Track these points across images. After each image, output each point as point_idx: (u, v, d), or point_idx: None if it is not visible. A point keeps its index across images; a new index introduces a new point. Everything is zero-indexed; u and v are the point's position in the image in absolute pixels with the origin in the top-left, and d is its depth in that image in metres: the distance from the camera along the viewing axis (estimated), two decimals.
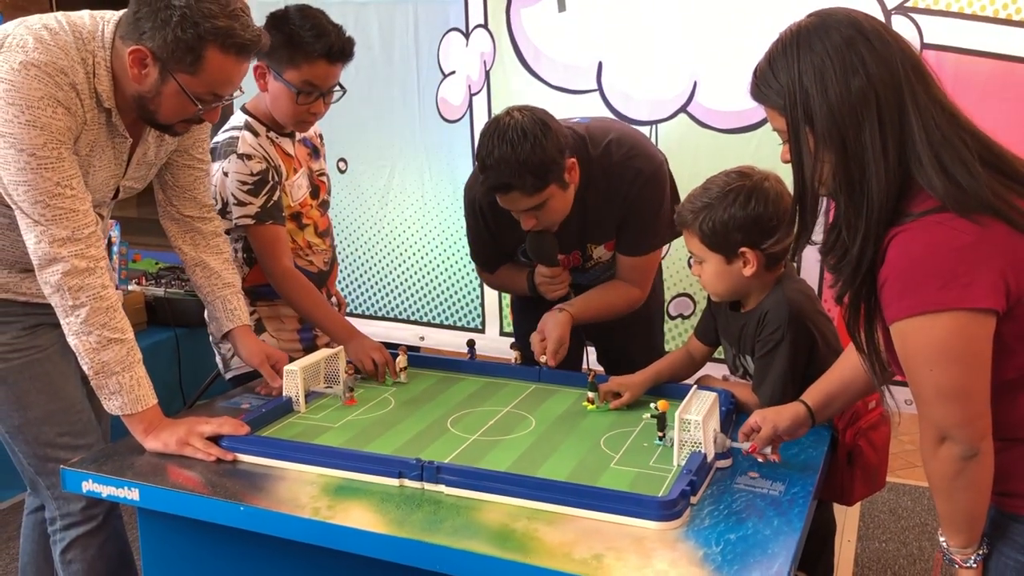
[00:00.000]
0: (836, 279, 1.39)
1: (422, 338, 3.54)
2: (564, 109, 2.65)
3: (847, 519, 3.12)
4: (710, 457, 1.66)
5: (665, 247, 2.69)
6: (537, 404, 2.02)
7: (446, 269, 3.47)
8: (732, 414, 1.90)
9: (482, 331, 3.47)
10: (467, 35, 3.21)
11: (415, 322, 3.58)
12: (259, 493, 1.64)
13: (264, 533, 1.58)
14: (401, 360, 2.19)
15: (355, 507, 1.57)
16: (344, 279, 3.67)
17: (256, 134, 2.25)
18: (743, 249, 1.87)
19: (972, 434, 1.29)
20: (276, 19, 2.16)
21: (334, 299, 2.57)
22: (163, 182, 2.10)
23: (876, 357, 1.41)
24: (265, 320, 2.36)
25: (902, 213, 1.30)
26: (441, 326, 3.51)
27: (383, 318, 3.64)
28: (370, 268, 3.61)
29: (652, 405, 1.80)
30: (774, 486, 1.63)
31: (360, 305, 3.68)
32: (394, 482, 1.63)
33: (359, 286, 3.66)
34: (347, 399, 2.03)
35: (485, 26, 3.16)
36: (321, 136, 2.53)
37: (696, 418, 1.65)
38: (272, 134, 2.28)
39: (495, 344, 3.35)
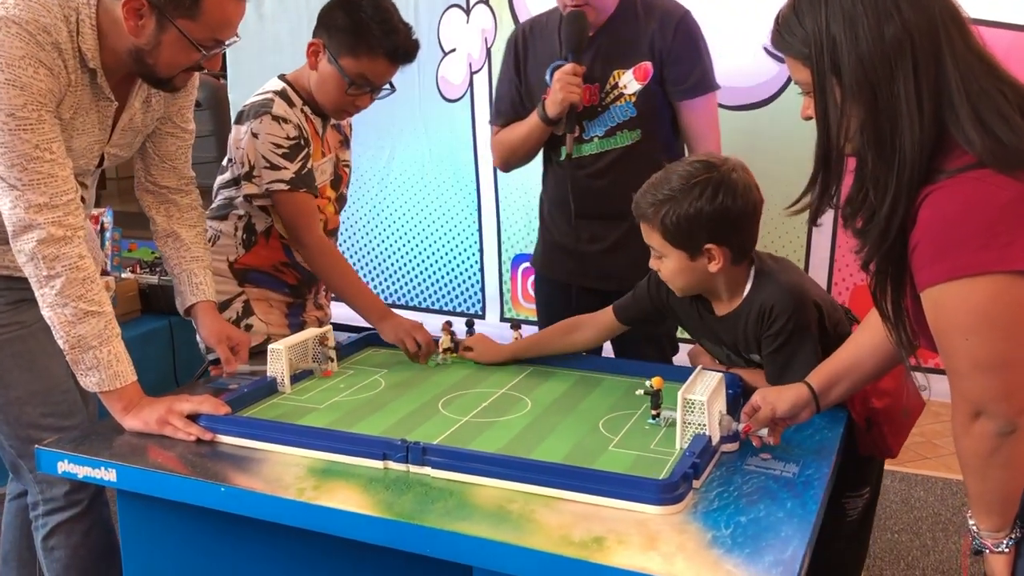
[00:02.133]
0: (862, 244, 1.30)
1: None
2: None
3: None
4: (715, 440, 1.58)
5: None
6: (534, 386, 1.93)
7: (446, 254, 3.39)
8: (739, 398, 1.81)
9: (482, 317, 3.39)
10: (468, 11, 3.12)
11: (414, 308, 3.50)
12: (241, 474, 1.56)
13: (247, 515, 1.50)
14: (445, 340, 2.09)
15: (341, 489, 1.49)
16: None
17: (291, 104, 2.15)
18: (708, 246, 1.74)
19: (1010, 409, 1.20)
20: (348, 2, 2.07)
21: (323, 293, 2.46)
22: (143, 151, 2.02)
23: (903, 328, 1.32)
24: (253, 303, 2.27)
25: (935, 170, 1.21)
26: (440, 311, 3.43)
27: (403, 307, 3.56)
28: (368, 252, 3.53)
29: (647, 382, 1.71)
30: (787, 467, 1.55)
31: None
32: (379, 464, 1.55)
33: (359, 269, 3.59)
34: (323, 370, 1.95)
35: (486, 2, 3.07)
36: (351, 126, 2.43)
37: (700, 398, 1.56)
38: (307, 109, 2.19)
39: (496, 331, 3.25)
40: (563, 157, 2.25)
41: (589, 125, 2.26)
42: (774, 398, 1.60)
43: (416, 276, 3.48)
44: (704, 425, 1.57)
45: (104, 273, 3.12)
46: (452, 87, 3.20)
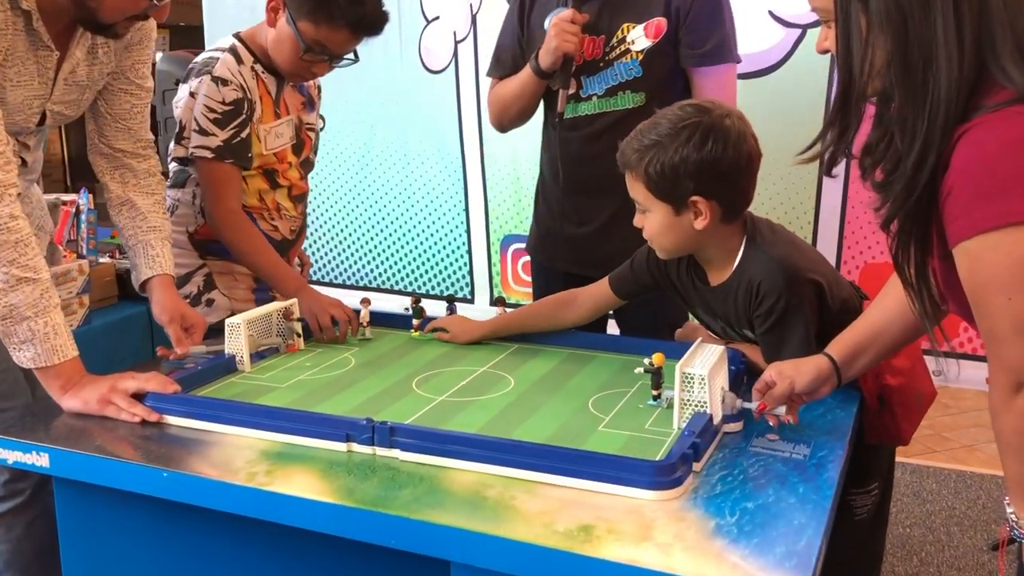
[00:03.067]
0: (883, 199, 1.13)
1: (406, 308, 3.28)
2: None
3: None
4: (717, 419, 1.41)
5: None
6: (519, 364, 1.77)
7: (432, 234, 3.22)
8: (743, 376, 1.65)
9: (471, 301, 3.22)
10: None
11: (399, 292, 3.33)
12: (187, 458, 1.39)
13: (191, 503, 1.34)
14: (365, 314, 1.94)
15: (297, 474, 1.32)
16: (320, 247, 3.42)
17: (240, 61, 1.99)
18: (695, 198, 1.57)
19: None
20: None
21: (297, 261, 2.30)
22: (95, 110, 1.85)
23: (927, 295, 1.16)
24: (216, 276, 2.10)
25: (971, 108, 1.04)
26: (427, 296, 3.26)
27: (365, 287, 3.39)
28: (349, 235, 3.37)
29: (646, 360, 1.54)
30: (798, 449, 1.38)
31: (339, 275, 3.43)
32: (341, 447, 1.38)
33: (338, 254, 3.42)
34: (288, 345, 1.78)
35: None
36: (320, 88, 2.25)
37: (700, 372, 1.40)
38: (259, 67, 2.02)
39: (486, 316, 3.10)
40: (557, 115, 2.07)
41: (588, 81, 2.06)
42: (792, 372, 1.43)
43: (400, 259, 3.31)
44: (705, 403, 1.41)
45: (80, 256, 2.95)
46: (436, 58, 3.03)
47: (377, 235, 3.32)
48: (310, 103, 2.17)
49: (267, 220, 2.09)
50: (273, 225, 2.11)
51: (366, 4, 1.90)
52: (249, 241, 2.00)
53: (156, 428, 1.49)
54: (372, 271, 3.37)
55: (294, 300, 1.85)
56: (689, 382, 1.41)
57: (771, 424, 1.43)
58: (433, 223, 3.21)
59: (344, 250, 3.40)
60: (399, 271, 3.31)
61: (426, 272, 3.27)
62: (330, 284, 3.42)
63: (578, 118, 2.08)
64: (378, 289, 3.37)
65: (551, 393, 1.60)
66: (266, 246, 2.03)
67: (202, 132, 1.95)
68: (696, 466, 1.30)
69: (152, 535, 1.47)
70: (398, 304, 3.27)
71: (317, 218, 3.32)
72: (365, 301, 1.96)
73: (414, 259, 3.27)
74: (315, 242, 3.46)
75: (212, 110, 1.94)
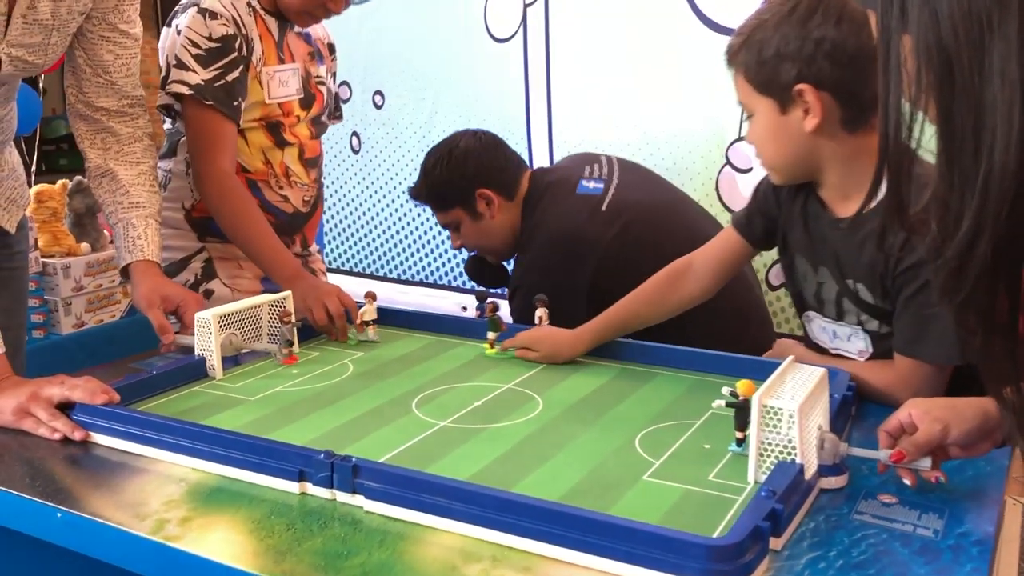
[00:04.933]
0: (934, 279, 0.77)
1: (464, 308, 2.93)
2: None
3: (1005, 541, 2.34)
4: (810, 471, 1.01)
5: None
6: (553, 381, 1.38)
7: None
8: (851, 406, 1.23)
9: None
10: None
11: (457, 289, 2.98)
12: (96, 493, 1.07)
13: (82, 553, 1.01)
14: (369, 310, 1.58)
15: (221, 523, 0.98)
16: (375, 239, 3.10)
17: None
18: (800, 87, 1.21)
19: None
20: None
21: (312, 249, 1.97)
22: (73, 61, 1.56)
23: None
24: (217, 263, 1.79)
25: None
26: (473, 291, 2.90)
27: (420, 283, 3.06)
28: (407, 224, 3.04)
29: (725, 389, 1.14)
30: (926, 520, 0.97)
31: (393, 269, 3.11)
32: (293, 487, 1.03)
33: (392, 247, 3.09)
34: (284, 357, 1.44)
35: None
36: (332, 47, 1.92)
37: (789, 406, 0.99)
38: (256, 2, 1.71)
39: None
40: None
41: None
42: (945, 414, 1.01)
43: (458, 253, 2.96)
44: (793, 448, 1.00)
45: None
46: (502, 24, 2.67)
47: (437, 224, 2.96)
48: (318, 56, 1.83)
49: (274, 189, 1.77)
50: (282, 195, 1.78)
51: None
52: (239, 210, 1.66)
53: (81, 448, 1.18)
54: (428, 265, 3.03)
55: (287, 294, 1.51)
56: (772, 418, 1.01)
57: (907, 483, 1.01)
58: None
59: (399, 243, 3.08)
60: (459, 267, 2.96)
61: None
62: (384, 279, 3.11)
63: None
64: (434, 285, 3.03)
65: (588, 423, 1.21)
66: (260, 220, 1.68)
67: (181, 66, 1.63)
68: (775, 543, 0.90)
69: None
70: (455, 303, 2.93)
71: (374, 205, 3.00)
72: (369, 295, 1.61)
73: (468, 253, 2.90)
74: (369, 232, 3.15)
75: (195, 44, 1.62)
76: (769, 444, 1.02)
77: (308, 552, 0.91)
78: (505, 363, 1.47)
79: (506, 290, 1.96)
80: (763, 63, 1.24)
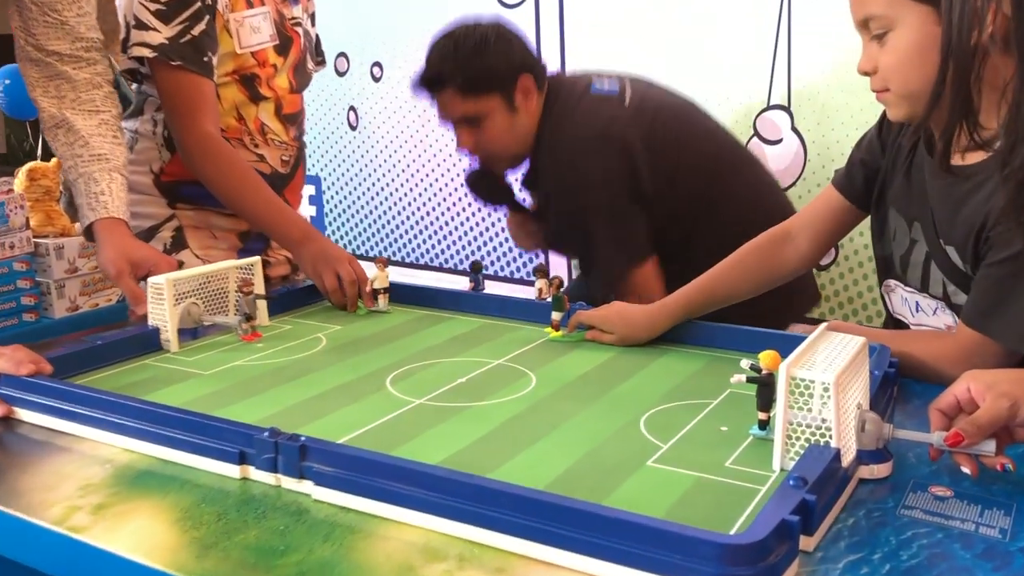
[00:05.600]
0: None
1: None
2: None
3: None
4: (848, 457, 0.84)
5: None
6: (552, 355, 1.22)
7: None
8: (894, 385, 1.06)
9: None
10: None
11: (465, 273, 2.82)
12: (10, 475, 0.91)
13: None
14: (380, 278, 1.44)
15: (142, 512, 0.82)
16: (375, 220, 2.95)
17: None
18: None
19: None
20: None
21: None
22: (20, 1, 1.41)
23: None
24: (188, 232, 1.63)
25: None
26: (496, 278, 2.74)
27: (424, 267, 2.90)
28: (408, 205, 2.88)
29: (744, 362, 0.97)
30: (990, 518, 0.80)
31: (396, 252, 2.95)
32: (234, 470, 0.87)
33: (394, 228, 2.94)
34: (243, 333, 1.28)
35: None
36: None
37: (823, 378, 0.82)
38: None
39: None
40: None
41: None
42: (1014, 388, 0.83)
43: (465, 236, 2.80)
44: (828, 429, 0.83)
45: None
46: None
47: (440, 205, 2.82)
48: None
49: (248, 147, 1.61)
50: (258, 154, 1.62)
51: None
52: (230, 172, 1.51)
53: (3, 425, 1.03)
54: (431, 249, 2.87)
55: (255, 260, 1.35)
56: (803, 393, 0.84)
57: (967, 471, 0.84)
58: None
59: (400, 225, 2.92)
60: (465, 248, 2.80)
61: (496, 248, 2.75)
62: (395, 263, 2.95)
63: None
64: (439, 269, 2.87)
65: (586, 402, 1.05)
66: (254, 180, 1.54)
67: (140, 26, 1.47)
68: (806, 543, 0.73)
69: None
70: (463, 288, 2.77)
71: (370, 186, 2.85)
72: (381, 261, 1.45)
73: (482, 234, 2.75)
74: (369, 213, 3.00)
75: (154, 0, 1.46)
76: (799, 424, 0.85)
77: (237, 547, 0.75)
78: (502, 337, 1.31)
79: (505, 211, 1.85)
80: None
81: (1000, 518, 0.80)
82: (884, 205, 1.22)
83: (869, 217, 1.27)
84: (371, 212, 2.97)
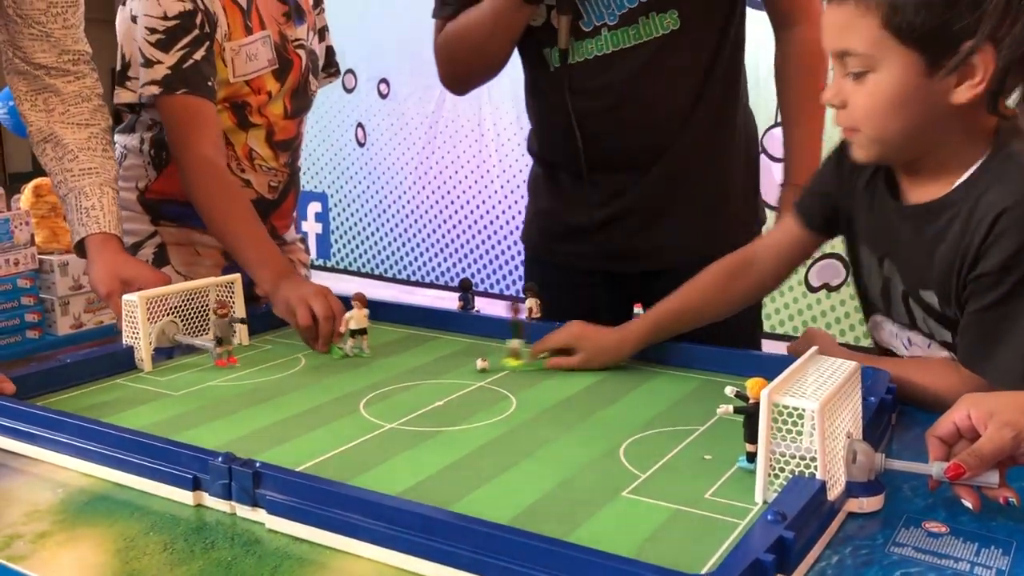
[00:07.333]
0: None
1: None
2: None
3: None
4: (835, 490, 0.79)
5: None
6: (535, 380, 1.17)
7: (505, 224, 2.66)
8: (890, 412, 1.01)
9: None
10: None
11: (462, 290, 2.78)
12: None
13: None
14: (358, 316, 1.28)
15: (86, 540, 0.79)
16: (381, 238, 2.91)
17: None
18: (972, 44, 0.93)
19: None
20: None
21: (290, 238, 1.76)
22: (3, 12, 1.39)
23: None
24: (171, 249, 1.59)
25: None
26: (487, 294, 2.70)
27: (430, 285, 2.87)
28: (415, 222, 2.85)
29: (728, 389, 0.91)
30: (987, 558, 0.74)
31: (402, 270, 2.92)
32: (187, 497, 0.83)
33: (400, 247, 2.90)
34: (218, 357, 1.23)
35: None
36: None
37: (809, 405, 0.77)
38: None
39: None
40: (555, 60, 1.41)
41: (590, 7, 1.37)
42: (1017, 416, 0.78)
43: (467, 252, 2.76)
44: (813, 459, 0.78)
45: None
46: None
47: (443, 222, 2.78)
48: (297, 14, 1.63)
49: (235, 172, 1.57)
50: (244, 179, 1.59)
51: None
52: (223, 201, 1.46)
53: None
54: (437, 267, 2.84)
55: (235, 277, 1.31)
56: (786, 421, 0.79)
57: (968, 505, 0.79)
58: (508, 209, 2.64)
59: (407, 242, 2.89)
60: (464, 265, 2.76)
61: (489, 264, 2.71)
62: (392, 280, 2.92)
63: (580, 65, 1.39)
64: (433, 285, 2.83)
65: (567, 426, 1.00)
66: (245, 211, 1.48)
67: (147, 63, 1.45)
68: None
69: None
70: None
71: (378, 199, 2.82)
72: (358, 298, 1.30)
73: (482, 251, 2.71)
74: (376, 231, 2.97)
75: (153, 30, 1.43)
76: (782, 455, 0.80)
77: None
78: (485, 358, 1.26)
79: None
80: (926, 4, 0.94)
81: (998, 558, 0.74)
82: (853, 237, 1.17)
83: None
84: (378, 229, 2.94)
